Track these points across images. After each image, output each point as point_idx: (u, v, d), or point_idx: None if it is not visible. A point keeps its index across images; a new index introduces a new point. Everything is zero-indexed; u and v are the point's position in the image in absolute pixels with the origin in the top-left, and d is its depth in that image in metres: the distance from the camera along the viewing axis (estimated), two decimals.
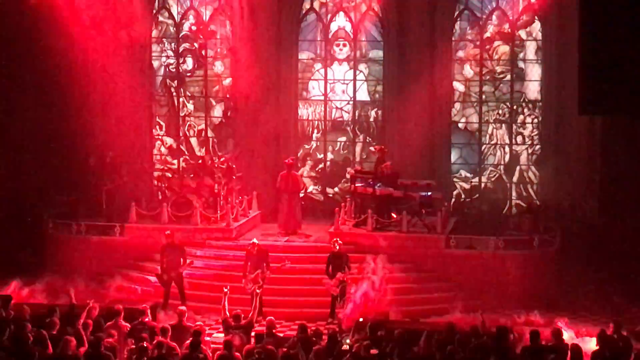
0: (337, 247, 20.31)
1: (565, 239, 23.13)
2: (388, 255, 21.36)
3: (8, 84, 25.18)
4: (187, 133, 27.81)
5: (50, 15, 24.35)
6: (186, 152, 27.72)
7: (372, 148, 26.09)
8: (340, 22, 27.13)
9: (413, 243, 22.17)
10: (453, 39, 26.49)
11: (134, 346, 14.23)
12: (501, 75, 26.64)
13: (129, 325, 15.48)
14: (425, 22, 25.77)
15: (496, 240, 22.25)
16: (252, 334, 15.63)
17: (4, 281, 21.40)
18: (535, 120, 26.48)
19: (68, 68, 25.01)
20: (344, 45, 27.20)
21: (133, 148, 26.38)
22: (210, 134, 27.67)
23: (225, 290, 16.63)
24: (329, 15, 27.10)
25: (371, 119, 27.29)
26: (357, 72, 27.16)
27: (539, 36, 26.26)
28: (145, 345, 13.76)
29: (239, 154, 26.05)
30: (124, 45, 25.78)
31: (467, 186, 26.76)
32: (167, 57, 27.74)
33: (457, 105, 26.82)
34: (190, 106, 27.83)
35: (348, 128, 27.36)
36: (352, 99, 27.22)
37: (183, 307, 16.98)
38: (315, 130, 27.52)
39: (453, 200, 26.34)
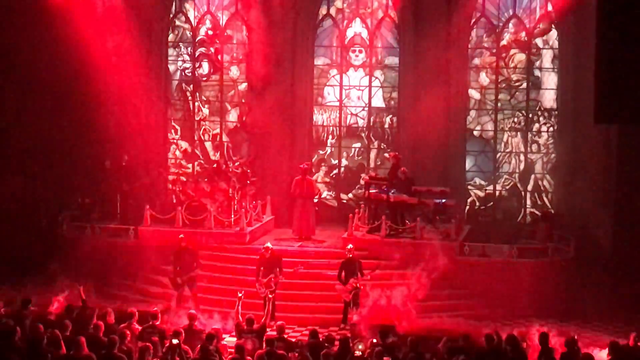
0: (350, 254, 20.29)
1: (579, 248, 23.06)
2: (399, 263, 21.52)
3: (25, 87, 25.26)
4: (202, 137, 27.86)
5: (66, 18, 24.48)
6: (201, 157, 27.77)
7: (387, 154, 26.10)
8: (356, 28, 27.15)
9: (426, 250, 22.09)
10: (469, 46, 26.45)
11: None
12: (517, 83, 26.59)
13: (140, 328, 15.52)
14: (442, 29, 25.73)
15: (510, 248, 22.22)
16: (264, 338, 15.63)
17: (19, 283, 21.57)
18: (551, 129, 26.41)
19: (84, 71, 25.09)
20: (360, 51, 27.21)
21: (148, 152, 26.46)
22: (225, 138, 27.72)
23: (240, 294, 16.68)
24: (345, 22, 27.13)
25: (386, 126, 27.28)
26: (373, 78, 27.16)
27: (556, 44, 26.20)
28: (147, 345, 13.79)
29: (253, 158, 26.07)
30: (140, 49, 25.94)
31: (481, 194, 26.71)
32: (183, 61, 27.81)
33: (473, 113, 26.77)
34: (205, 110, 27.88)
35: (363, 134, 27.35)
36: (367, 105, 27.22)
37: (193, 311, 17.03)
38: (330, 136, 27.53)
39: (467, 207, 26.30)
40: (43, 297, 19.00)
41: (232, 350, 14.92)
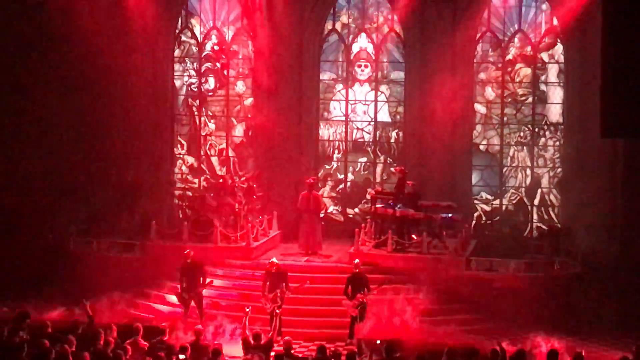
0: (357, 269, 20.27)
1: (586, 262, 23.00)
2: (405, 278, 21.52)
3: (31, 101, 25.34)
4: (208, 152, 27.90)
5: (71, 34, 24.62)
6: (207, 171, 27.80)
7: (393, 169, 26.10)
8: (362, 43, 27.21)
9: (433, 265, 22.09)
10: (475, 60, 26.48)
11: None
12: (523, 98, 26.60)
13: (147, 344, 15.49)
14: (447, 43, 25.76)
15: (517, 263, 22.17)
16: (272, 353, 15.60)
17: (25, 299, 21.55)
18: (557, 143, 26.39)
19: (90, 86, 25.20)
20: (366, 66, 27.25)
21: (154, 167, 26.50)
22: (231, 153, 27.76)
23: (247, 310, 16.66)
24: (351, 37, 27.19)
25: (392, 140, 27.30)
26: (379, 93, 27.20)
27: (561, 59, 26.22)
28: None
29: (259, 173, 26.08)
30: (146, 64, 26.05)
31: (487, 208, 26.68)
32: (189, 76, 27.88)
33: (479, 127, 26.78)
34: (211, 125, 27.93)
35: (369, 149, 27.37)
36: (373, 119, 27.24)
37: (200, 326, 17.00)
38: (336, 151, 27.56)
39: (474, 222, 26.26)
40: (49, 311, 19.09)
41: None
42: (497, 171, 26.70)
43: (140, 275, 22.74)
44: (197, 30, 27.62)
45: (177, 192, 27.15)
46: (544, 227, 25.82)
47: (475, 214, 26.58)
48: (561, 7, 25.29)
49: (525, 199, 26.52)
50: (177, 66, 27.80)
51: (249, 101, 27.59)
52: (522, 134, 26.61)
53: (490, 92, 26.71)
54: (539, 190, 26.49)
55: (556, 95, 26.41)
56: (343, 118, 27.36)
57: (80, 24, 24.67)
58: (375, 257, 22.52)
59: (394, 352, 15.05)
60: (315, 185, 24.64)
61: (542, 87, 26.54)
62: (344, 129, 27.38)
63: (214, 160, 27.91)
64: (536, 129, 26.48)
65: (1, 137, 25.34)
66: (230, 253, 23.08)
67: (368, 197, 25.59)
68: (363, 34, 27.19)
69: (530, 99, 26.50)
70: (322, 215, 24.89)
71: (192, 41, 27.72)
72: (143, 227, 23.92)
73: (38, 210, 25.04)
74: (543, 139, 26.54)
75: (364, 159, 27.45)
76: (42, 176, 25.30)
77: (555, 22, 25.98)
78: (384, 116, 27.30)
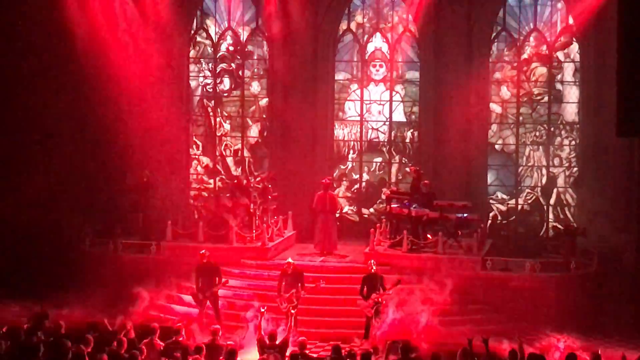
0: (372, 268, 20.26)
1: (602, 262, 22.92)
2: (421, 278, 21.51)
3: (47, 104, 25.44)
4: (224, 153, 27.95)
5: (87, 36, 24.72)
6: (222, 172, 27.84)
7: (408, 169, 26.10)
8: (377, 43, 27.20)
9: (448, 265, 22.06)
10: (490, 60, 26.43)
11: None
12: (538, 97, 26.53)
13: (163, 344, 15.53)
14: (462, 43, 25.73)
15: (532, 263, 22.12)
16: (287, 353, 15.61)
17: (42, 300, 21.65)
18: (573, 143, 26.32)
19: (106, 88, 25.27)
20: (381, 66, 27.24)
21: (170, 167, 26.57)
22: (246, 153, 27.80)
23: (262, 310, 16.69)
24: (366, 36, 27.19)
25: (407, 140, 27.28)
26: (394, 92, 27.18)
27: (577, 58, 26.14)
28: None
29: (274, 173, 26.11)
30: (161, 65, 26.13)
31: (503, 208, 26.62)
32: (205, 77, 27.94)
33: (494, 127, 26.72)
34: (226, 126, 27.98)
35: (384, 149, 27.35)
36: (388, 119, 27.22)
37: (217, 326, 17.03)
38: (351, 151, 27.55)
39: (489, 222, 26.20)
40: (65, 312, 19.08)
41: None
42: (512, 171, 26.64)
43: (156, 276, 22.77)
44: (212, 31, 27.68)
45: (192, 193, 27.22)
46: (560, 226, 25.74)
47: (491, 214, 26.52)
48: (577, 5, 25.19)
49: (541, 199, 26.45)
50: (192, 67, 27.88)
51: (264, 102, 27.63)
52: (537, 133, 26.54)
53: (505, 92, 26.65)
54: (555, 190, 26.42)
55: (572, 94, 26.33)
56: (358, 118, 27.35)
57: (95, 25, 24.78)
58: (390, 257, 22.52)
59: (410, 353, 15.05)
60: (331, 186, 24.66)
61: (558, 86, 26.46)
62: (359, 129, 27.37)
63: (229, 160, 27.96)
64: (552, 128, 26.40)
65: (18, 140, 25.43)
66: (246, 253, 23.12)
67: (383, 197, 25.60)
68: (378, 34, 27.18)
69: (545, 98, 26.42)
70: (337, 215, 24.88)
71: (207, 42, 27.78)
72: (159, 227, 24.00)
73: (55, 211, 25.13)
74: (559, 138, 26.47)
75: (379, 159, 27.44)
76: (58, 178, 25.37)
77: (571, 20, 25.89)
78: (399, 116, 27.28)
